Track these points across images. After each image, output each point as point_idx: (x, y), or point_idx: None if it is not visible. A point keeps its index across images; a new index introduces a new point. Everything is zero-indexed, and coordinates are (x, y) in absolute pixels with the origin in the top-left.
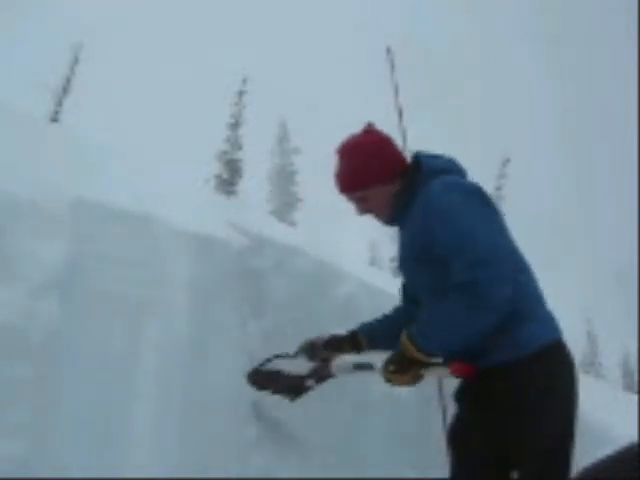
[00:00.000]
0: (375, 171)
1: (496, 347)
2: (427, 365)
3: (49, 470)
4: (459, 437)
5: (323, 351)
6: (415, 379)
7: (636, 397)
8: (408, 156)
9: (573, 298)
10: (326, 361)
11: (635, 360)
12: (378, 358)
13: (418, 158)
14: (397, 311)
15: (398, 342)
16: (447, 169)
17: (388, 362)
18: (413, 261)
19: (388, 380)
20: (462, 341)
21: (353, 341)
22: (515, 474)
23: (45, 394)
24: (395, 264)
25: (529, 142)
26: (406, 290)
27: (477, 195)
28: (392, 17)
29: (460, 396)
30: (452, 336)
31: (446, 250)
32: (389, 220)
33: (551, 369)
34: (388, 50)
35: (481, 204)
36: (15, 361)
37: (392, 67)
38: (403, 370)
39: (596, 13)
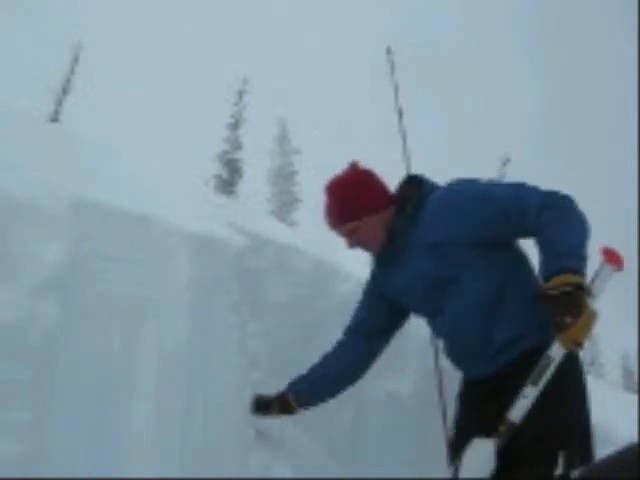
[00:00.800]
0: (366, 201)
1: (541, 326)
2: (586, 288)
3: (49, 470)
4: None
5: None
6: (593, 310)
7: (636, 397)
8: (392, 183)
9: None
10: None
11: (635, 360)
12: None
13: (416, 177)
14: (341, 347)
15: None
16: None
17: (561, 319)
18: (440, 258)
19: (576, 340)
20: (589, 231)
21: (281, 401)
22: (561, 457)
23: (45, 394)
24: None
25: (529, 142)
26: (368, 321)
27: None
28: (392, 17)
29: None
30: (587, 236)
31: (505, 200)
32: (381, 248)
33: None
34: (388, 50)
35: None
36: (15, 361)
37: (392, 67)
38: (581, 310)
39: (597, 13)
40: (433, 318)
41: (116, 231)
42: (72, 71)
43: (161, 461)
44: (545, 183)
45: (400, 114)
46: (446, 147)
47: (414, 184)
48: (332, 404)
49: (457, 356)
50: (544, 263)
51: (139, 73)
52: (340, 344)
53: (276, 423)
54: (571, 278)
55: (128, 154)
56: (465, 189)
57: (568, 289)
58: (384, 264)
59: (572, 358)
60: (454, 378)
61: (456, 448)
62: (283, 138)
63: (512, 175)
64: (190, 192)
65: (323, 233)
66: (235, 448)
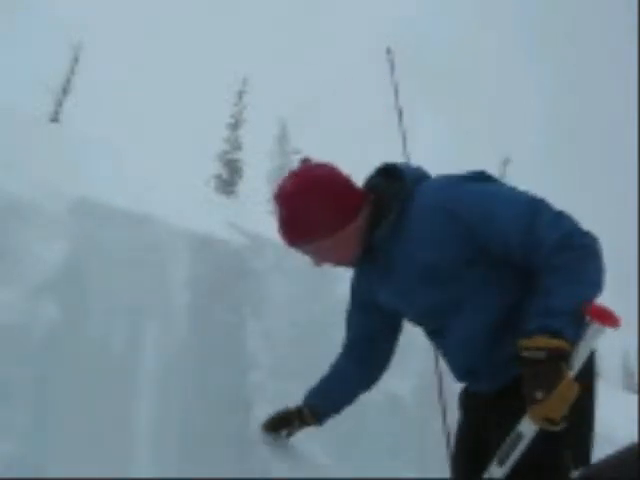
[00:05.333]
0: (331, 215)
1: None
2: (570, 355)
3: (49, 470)
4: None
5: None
6: (574, 382)
7: (636, 397)
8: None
9: None
10: None
11: (635, 360)
12: (518, 426)
13: (393, 168)
14: (345, 358)
15: (513, 359)
16: (428, 175)
17: (531, 392)
18: (435, 280)
19: (548, 417)
20: (597, 292)
21: (300, 415)
22: None
23: (45, 394)
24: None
25: (529, 142)
26: (369, 325)
27: (488, 176)
28: (392, 17)
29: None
30: (594, 295)
31: (509, 230)
32: (356, 262)
33: None
34: (388, 50)
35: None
36: (15, 361)
37: (392, 67)
38: (555, 384)
39: (597, 14)
40: (434, 336)
41: (116, 231)
42: (72, 71)
43: (161, 461)
44: (545, 183)
45: (400, 114)
46: (446, 147)
47: (392, 177)
48: None
49: (459, 374)
50: (531, 313)
51: (139, 73)
52: (345, 364)
53: None
54: (549, 342)
55: (128, 154)
56: (461, 196)
57: (541, 355)
58: (366, 272)
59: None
60: (454, 379)
61: (455, 460)
62: (283, 138)
63: (512, 175)
64: (190, 192)
65: None
66: (235, 448)
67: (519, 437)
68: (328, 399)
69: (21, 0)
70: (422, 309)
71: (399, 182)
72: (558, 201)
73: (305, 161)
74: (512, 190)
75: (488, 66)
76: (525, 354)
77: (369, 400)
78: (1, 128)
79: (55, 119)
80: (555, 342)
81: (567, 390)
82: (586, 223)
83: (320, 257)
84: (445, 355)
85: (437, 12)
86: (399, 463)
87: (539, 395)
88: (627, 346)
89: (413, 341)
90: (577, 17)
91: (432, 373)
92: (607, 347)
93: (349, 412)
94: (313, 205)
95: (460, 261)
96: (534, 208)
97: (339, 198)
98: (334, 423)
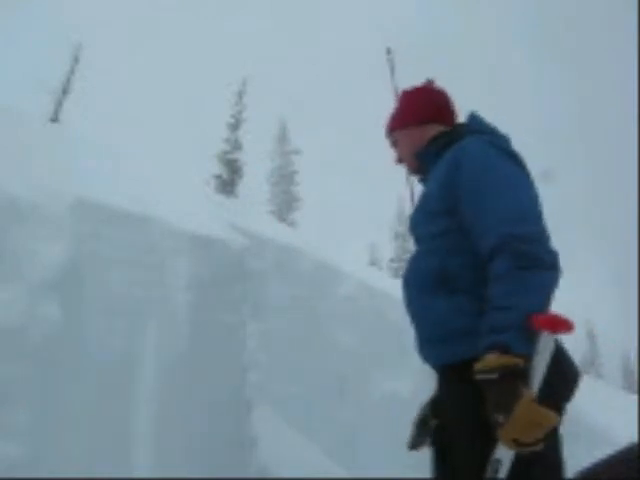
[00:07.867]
0: (404, 114)
1: (469, 334)
2: (526, 371)
3: (49, 470)
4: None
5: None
6: (534, 401)
7: (636, 397)
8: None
9: (573, 298)
10: None
11: (635, 360)
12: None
13: (471, 115)
14: None
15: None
16: (492, 131)
17: (493, 416)
18: (425, 213)
19: (517, 440)
20: (545, 303)
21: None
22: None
23: (45, 394)
24: (395, 264)
25: (528, 141)
26: None
27: (515, 157)
28: (392, 17)
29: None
30: (541, 305)
31: (472, 205)
32: (414, 168)
33: None
34: (388, 51)
35: (521, 167)
36: (15, 361)
37: (392, 68)
38: (512, 405)
39: (596, 15)
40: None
41: (116, 232)
42: (72, 71)
43: (161, 461)
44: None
45: None
46: None
47: (466, 120)
48: (332, 404)
49: (415, 331)
50: (482, 330)
51: (139, 73)
52: None
53: (276, 423)
54: (499, 360)
55: (128, 154)
56: (472, 153)
57: (494, 376)
58: None
59: None
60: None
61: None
62: (283, 138)
63: None
64: (190, 192)
65: (323, 233)
66: (235, 447)
67: (499, 464)
68: None
69: (21, 0)
70: (411, 229)
71: (463, 125)
72: (559, 201)
73: (429, 82)
74: (513, 176)
75: (489, 66)
76: (479, 377)
77: (369, 399)
78: (1, 128)
79: (55, 119)
80: (505, 359)
81: (528, 410)
82: (587, 223)
83: (396, 150)
84: (407, 305)
85: (438, 12)
86: (399, 463)
87: (500, 418)
88: (627, 346)
89: (413, 340)
90: (577, 17)
91: (432, 372)
92: (607, 347)
93: (349, 411)
94: (400, 106)
95: (438, 201)
96: (513, 198)
97: (413, 107)
98: (334, 423)
